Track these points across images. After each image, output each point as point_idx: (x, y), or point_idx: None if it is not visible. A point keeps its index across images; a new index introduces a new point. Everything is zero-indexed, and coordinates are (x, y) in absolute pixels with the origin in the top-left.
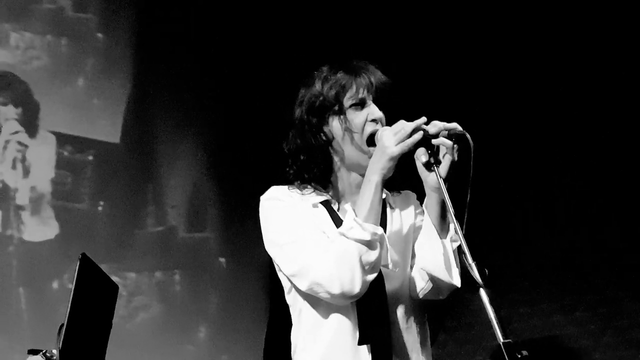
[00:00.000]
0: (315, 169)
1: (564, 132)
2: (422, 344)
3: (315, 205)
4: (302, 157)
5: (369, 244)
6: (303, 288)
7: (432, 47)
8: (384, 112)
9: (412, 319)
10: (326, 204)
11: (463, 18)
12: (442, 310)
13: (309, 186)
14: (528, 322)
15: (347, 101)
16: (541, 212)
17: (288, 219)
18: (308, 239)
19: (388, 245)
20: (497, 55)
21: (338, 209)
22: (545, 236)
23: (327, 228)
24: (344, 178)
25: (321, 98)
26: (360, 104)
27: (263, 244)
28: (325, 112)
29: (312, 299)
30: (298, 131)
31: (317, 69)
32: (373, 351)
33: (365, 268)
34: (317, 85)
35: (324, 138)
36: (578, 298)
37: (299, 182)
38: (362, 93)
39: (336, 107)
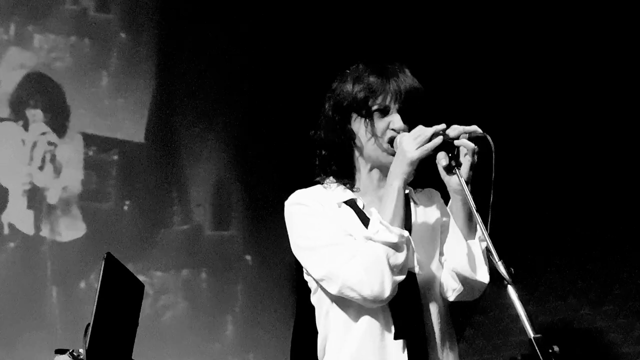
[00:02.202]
0: (335, 165)
1: (582, 124)
2: (452, 341)
3: (339, 205)
4: (323, 153)
5: (396, 247)
6: (333, 292)
7: (445, 48)
8: (410, 120)
9: (442, 317)
10: (351, 202)
11: (478, 20)
12: (469, 309)
13: (334, 182)
14: (556, 316)
15: (373, 105)
16: (568, 206)
17: (314, 224)
18: (336, 243)
19: (413, 247)
20: (508, 54)
21: (363, 207)
22: (573, 229)
23: (353, 227)
24: (365, 175)
25: (350, 99)
26: (385, 111)
27: (288, 242)
28: (351, 112)
29: (340, 301)
30: (323, 125)
31: (351, 65)
32: (409, 346)
33: (394, 270)
34: (349, 85)
35: (346, 136)
36: (606, 291)
37: (322, 176)
38: (389, 101)
39: (363, 111)
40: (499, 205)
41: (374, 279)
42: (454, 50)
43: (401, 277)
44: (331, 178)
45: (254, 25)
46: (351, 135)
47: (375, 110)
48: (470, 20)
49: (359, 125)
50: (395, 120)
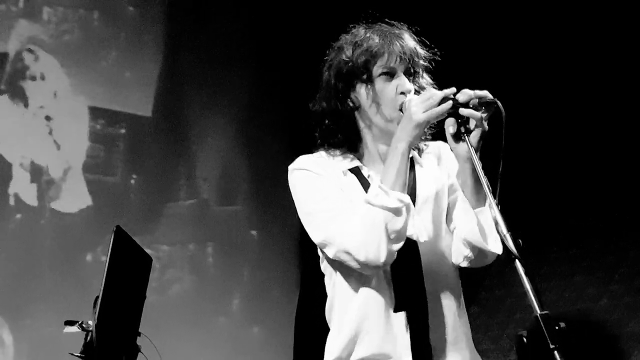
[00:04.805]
0: (340, 135)
1: (596, 107)
2: (460, 308)
3: (344, 173)
4: (326, 122)
5: (395, 211)
6: (330, 255)
7: (457, 11)
8: (416, 82)
9: (450, 282)
10: (356, 170)
11: None
12: (473, 286)
13: (338, 150)
14: (562, 294)
15: (376, 69)
16: (576, 184)
17: (317, 189)
18: (336, 208)
19: (414, 213)
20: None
21: (368, 176)
22: (579, 208)
23: (356, 195)
24: (371, 145)
25: (350, 64)
26: (390, 74)
27: (293, 217)
28: (353, 79)
29: (342, 268)
30: (325, 94)
31: (348, 28)
32: (410, 318)
33: (391, 237)
34: (348, 50)
35: (350, 105)
36: (612, 270)
37: (326, 145)
38: (393, 62)
39: (365, 76)
40: (504, 177)
41: (370, 244)
42: (465, 14)
43: (399, 244)
44: (335, 149)
45: (264, 1)
46: (355, 104)
47: (380, 75)
48: None
49: (362, 93)
50: (402, 82)
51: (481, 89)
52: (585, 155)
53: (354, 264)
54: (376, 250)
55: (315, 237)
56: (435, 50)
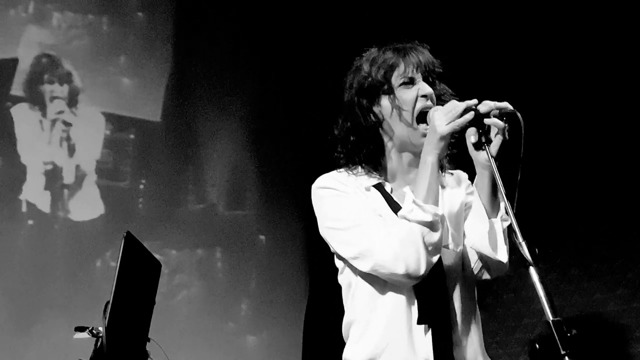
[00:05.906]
0: (365, 150)
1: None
2: (476, 320)
3: (367, 189)
4: (352, 139)
5: (431, 225)
6: (365, 269)
7: (472, 23)
8: (434, 90)
9: (466, 296)
10: (379, 186)
11: None
12: (481, 291)
13: (359, 168)
14: (569, 299)
15: (396, 80)
16: (584, 190)
17: (344, 205)
18: (367, 223)
19: (448, 225)
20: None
21: (391, 191)
22: (587, 214)
23: (382, 211)
24: (395, 158)
25: (370, 79)
26: (410, 82)
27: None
28: (375, 93)
29: (364, 282)
30: (348, 114)
31: (361, 53)
32: (433, 330)
33: (429, 249)
34: (365, 68)
35: (374, 119)
36: (620, 276)
37: (350, 165)
38: (411, 72)
39: (385, 87)
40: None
41: (409, 256)
42: (480, 26)
43: (436, 257)
44: (357, 167)
45: (270, 7)
46: (378, 117)
47: (400, 85)
48: None
49: (384, 105)
50: (422, 86)
51: (495, 100)
52: (593, 162)
53: (390, 277)
54: (416, 262)
55: (347, 252)
56: (449, 63)
